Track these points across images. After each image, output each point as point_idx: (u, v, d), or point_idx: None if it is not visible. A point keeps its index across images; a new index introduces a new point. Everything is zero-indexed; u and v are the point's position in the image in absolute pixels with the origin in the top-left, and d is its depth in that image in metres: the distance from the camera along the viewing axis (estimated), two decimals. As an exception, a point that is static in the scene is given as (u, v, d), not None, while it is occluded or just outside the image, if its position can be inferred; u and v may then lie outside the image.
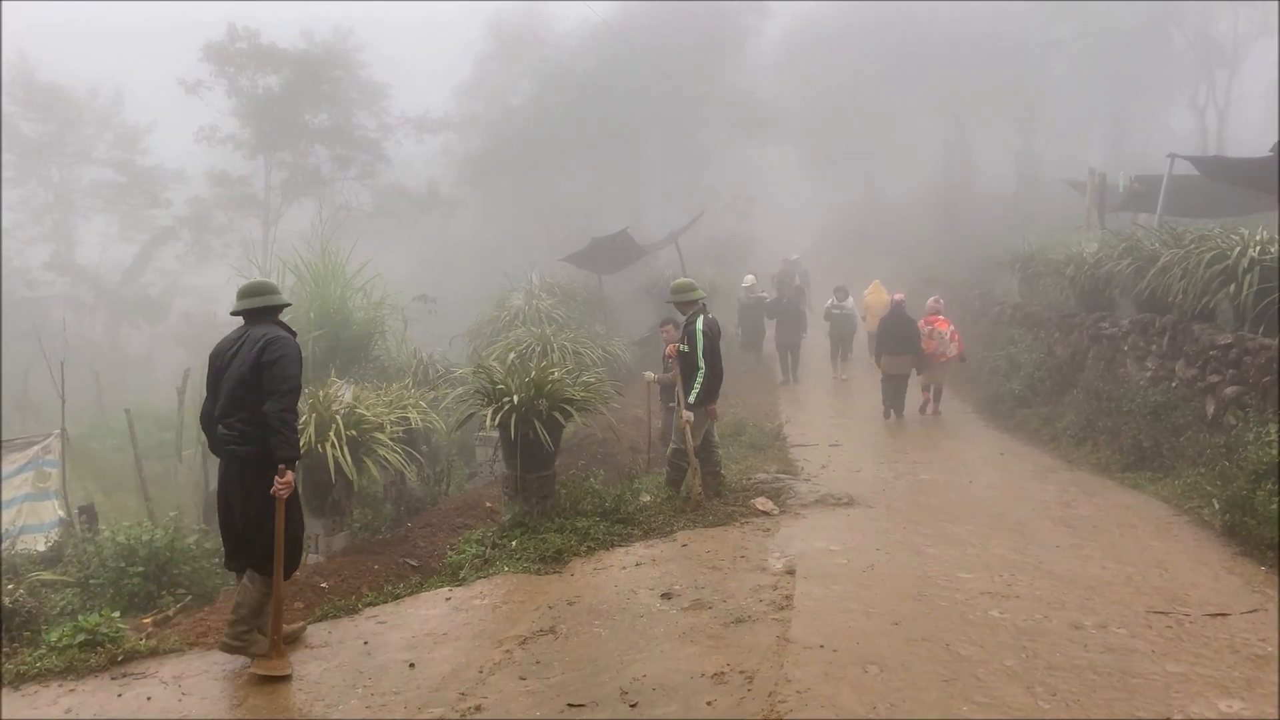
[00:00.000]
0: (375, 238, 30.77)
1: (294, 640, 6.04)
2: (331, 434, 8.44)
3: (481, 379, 9.24)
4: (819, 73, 41.76)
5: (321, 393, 9.18)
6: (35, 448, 11.59)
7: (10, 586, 7.11)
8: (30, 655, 5.89)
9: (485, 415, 8.80)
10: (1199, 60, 33.62)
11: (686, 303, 9.54)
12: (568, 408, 8.82)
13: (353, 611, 6.67)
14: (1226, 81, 33.53)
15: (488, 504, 10.26)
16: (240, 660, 5.76)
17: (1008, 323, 18.40)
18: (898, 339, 14.98)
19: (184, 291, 41.55)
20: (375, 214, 37.70)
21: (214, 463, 12.18)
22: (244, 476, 5.57)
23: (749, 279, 21.03)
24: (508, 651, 5.70)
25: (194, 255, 39.67)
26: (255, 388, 5.47)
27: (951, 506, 9.21)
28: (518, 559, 7.60)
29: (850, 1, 40.44)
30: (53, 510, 11.38)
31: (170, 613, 7.52)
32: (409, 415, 9.88)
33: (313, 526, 8.53)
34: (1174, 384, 11.21)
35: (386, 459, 8.96)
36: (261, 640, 5.70)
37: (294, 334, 5.75)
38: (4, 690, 5.53)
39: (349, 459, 8.38)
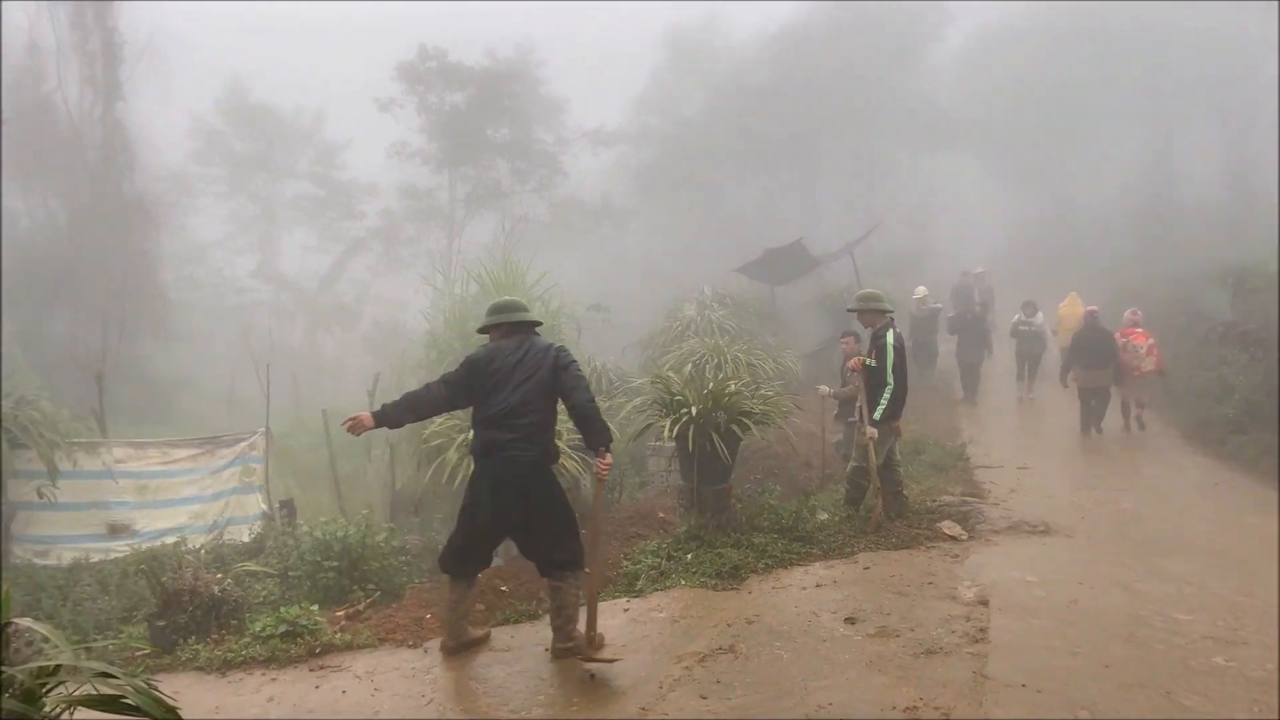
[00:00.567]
0: (551, 248, 31.57)
1: (477, 645, 6.13)
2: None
3: (659, 389, 9.21)
4: (1003, 78, 39.99)
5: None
6: (243, 444, 12.38)
7: (219, 575, 7.57)
8: (237, 643, 6.24)
9: (663, 426, 8.76)
10: None
11: (872, 314, 9.20)
12: (745, 421, 8.67)
13: (533, 617, 6.74)
14: None
15: (661, 515, 10.22)
16: (423, 659, 5.90)
17: (1218, 342, 16.95)
18: (1093, 352, 14.21)
19: (374, 300, 43.91)
20: (551, 225, 38.70)
21: (401, 465, 12.72)
22: (526, 481, 5.69)
23: (920, 290, 20.25)
24: (687, 668, 5.59)
25: (383, 265, 41.94)
26: (549, 392, 5.78)
27: (1162, 540, 8.49)
28: (694, 573, 7.49)
29: (1042, 1, 38.52)
30: (257, 504, 12.12)
31: (361, 606, 7.82)
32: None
33: (494, 530, 8.70)
34: None
35: (564, 466, 9.05)
36: (583, 636, 5.82)
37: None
38: (212, 676, 5.87)
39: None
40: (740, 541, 8.07)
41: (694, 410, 8.47)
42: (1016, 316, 18.37)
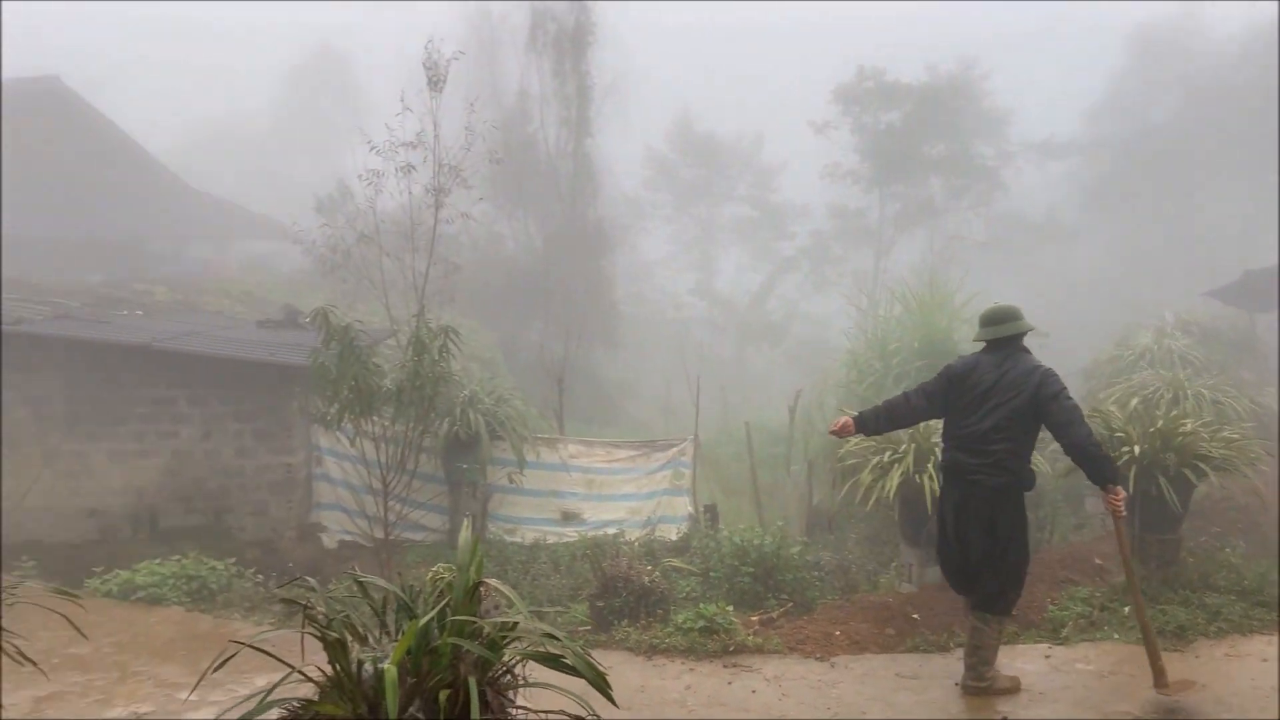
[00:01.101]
0: (986, 268, 30.12)
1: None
2: (930, 465, 8.39)
3: (1097, 424, 8.46)
4: None
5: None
6: (674, 449, 13.36)
7: (649, 568, 8.27)
8: (661, 631, 6.79)
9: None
10: None
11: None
12: (1201, 465, 7.68)
13: (943, 649, 6.54)
14: None
15: (1097, 560, 9.35)
16: (830, 673, 5.98)
17: None
18: None
19: (801, 318, 44.96)
20: (987, 244, 36.94)
21: (818, 481, 12.92)
22: (989, 507, 5.55)
23: None
24: (1114, 730, 5.11)
25: (811, 284, 42.80)
26: (1027, 419, 5.49)
27: None
28: (1130, 627, 6.79)
29: None
30: (684, 505, 13.00)
31: (774, 615, 8.10)
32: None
33: (908, 556, 8.57)
34: None
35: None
36: (1002, 676, 5.76)
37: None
38: (639, 658, 6.45)
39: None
40: (1189, 600, 7.17)
41: (1136, 449, 7.68)
42: None
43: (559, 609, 8.70)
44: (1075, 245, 38.25)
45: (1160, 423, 8.04)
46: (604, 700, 3.08)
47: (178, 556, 9.27)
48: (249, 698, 2.92)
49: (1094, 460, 5.26)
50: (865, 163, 38.56)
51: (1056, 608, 7.52)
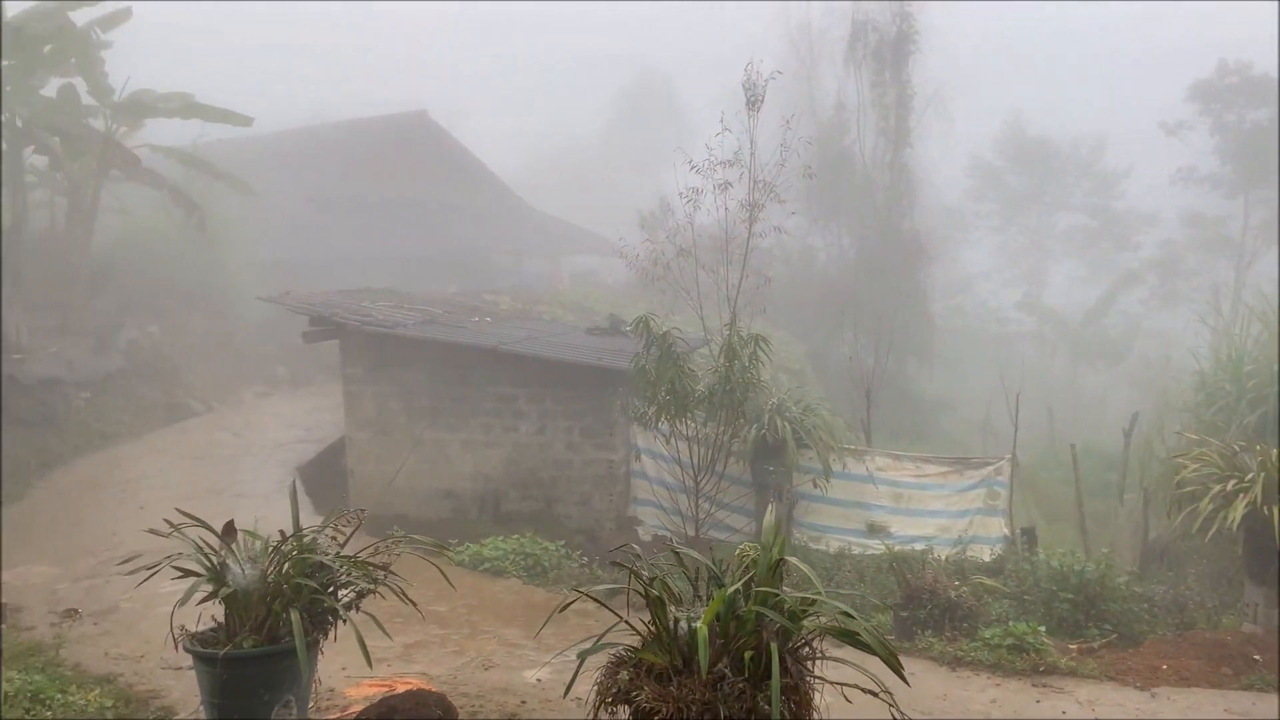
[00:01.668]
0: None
1: None
2: None
3: None
4: None
5: (1275, 451, 8.27)
6: (989, 468, 12.88)
7: (956, 583, 8.14)
8: (967, 645, 6.70)
9: None
10: None
11: None
12: None
13: None
14: None
15: None
16: (1150, 703, 5.64)
17: None
18: None
19: (1144, 335, 41.09)
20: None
21: (1155, 511, 11.92)
22: None
23: None
24: None
25: (1158, 299, 39.00)
26: None
27: None
28: None
29: None
30: (999, 526, 12.50)
31: (1095, 645, 7.67)
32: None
33: (1252, 594, 7.78)
34: None
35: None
36: None
37: None
38: (943, 668, 6.41)
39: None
40: None
41: None
42: None
43: (863, 615, 8.78)
44: None
45: None
46: (897, 681, 3.25)
47: (516, 536, 10.37)
48: (585, 639, 3.39)
49: None
50: (1226, 166, 34.66)
51: None
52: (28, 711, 5.53)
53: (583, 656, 3.38)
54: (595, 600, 3.55)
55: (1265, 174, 33.41)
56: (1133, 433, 14.01)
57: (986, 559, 11.50)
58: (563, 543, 10.50)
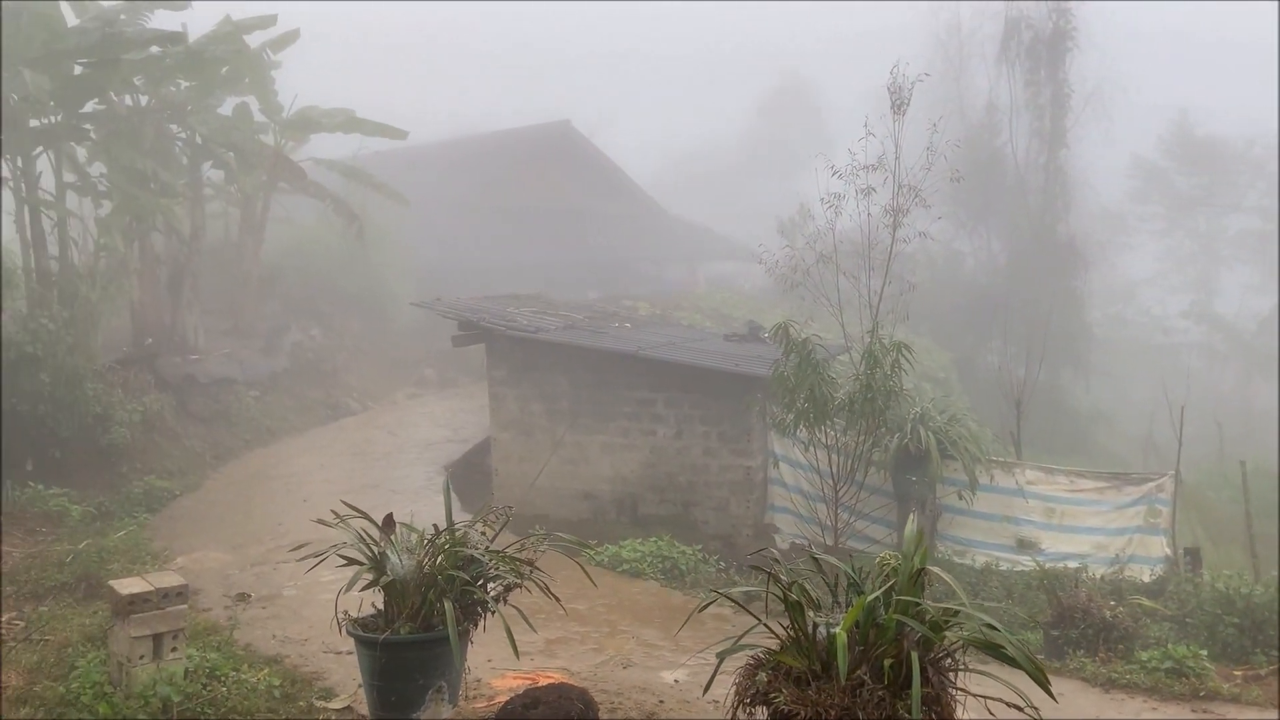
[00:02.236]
0: None
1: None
2: None
3: None
4: None
5: None
6: (1150, 484, 12.23)
7: (1112, 603, 7.79)
8: (1122, 667, 6.42)
9: None
10: None
11: None
12: None
13: None
14: None
15: None
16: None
17: None
18: None
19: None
20: None
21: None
22: None
23: None
24: None
25: (1346, 308, 36.12)
26: None
27: None
28: None
29: None
30: (1160, 546, 11.85)
31: (1262, 672, 7.22)
32: None
33: None
34: None
35: None
36: None
37: None
38: (1095, 689, 6.16)
39: None
40: None
41: None
42: None
43: (1010, 633, 8.52)
44: None
45: None
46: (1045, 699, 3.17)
47: (654, 539, 10.50)
48: (723, 641, 3.45)
49: None
50: None
51: None
52: (204, 687, 5.98)
53: (721, 656, 3.43)
54: (734, 602, 3.61)
55: None
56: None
57: (1146, 580, 10.95)
58: (699, 547, 10.57)
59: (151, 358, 15.15)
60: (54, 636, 7.11)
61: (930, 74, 13.37)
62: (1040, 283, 28.06)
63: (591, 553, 10.16)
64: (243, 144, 17.17)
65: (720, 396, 12.04)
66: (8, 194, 13.40)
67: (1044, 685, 3.12)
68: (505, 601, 5.06)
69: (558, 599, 5.09)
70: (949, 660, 3.39)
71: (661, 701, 6.27)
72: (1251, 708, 5.79)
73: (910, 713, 2.98)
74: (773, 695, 3.31)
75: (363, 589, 4.97)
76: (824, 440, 10.23)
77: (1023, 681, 3.23)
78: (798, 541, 11.83)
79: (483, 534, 5.22)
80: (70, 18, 13.90)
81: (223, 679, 6.20)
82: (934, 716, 3.22)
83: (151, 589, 5.94)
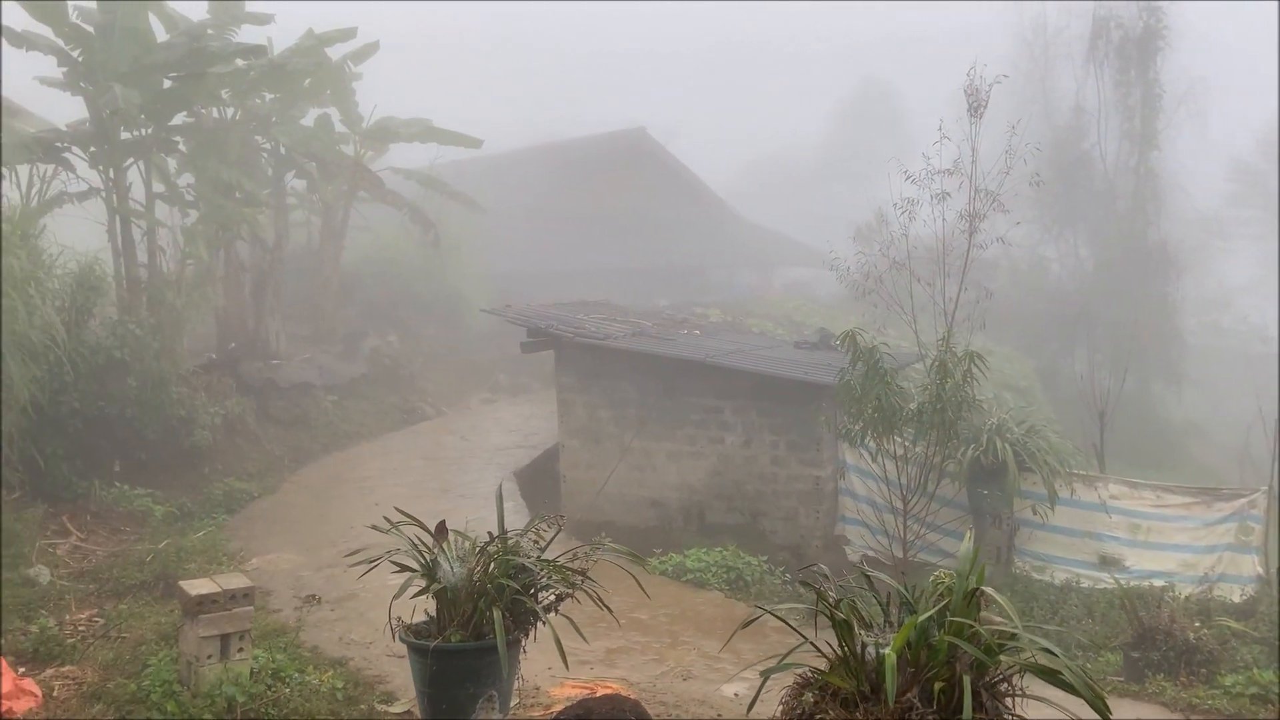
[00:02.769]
0: None
1: None
2: None
3: None
4: None
5: None
6: (1242, 500, 11.68)
7: (1197, 624, 7.43)
8: (1204, 691, 6.11)
9: None
10: None
11: None
12: None
13: None
14: None
15: None
16: None
17: None
18: None
19: None
20: None
21: None
22: None
23: None
24: None
25: None
26: None
27: None
28: None
29: None
30: (1252, 565, 11.30)
31: (1361, 704, 6.80)
32: None
33: None
34: None
35: None
36: None
37: None
38: (1176, 714, 5.87)
39: None
40: None
41: None
42: None
43: (1089, 658, 8.20)
44: None
45: None
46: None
47: (720, 549, 10.39)
48: (769, 657, 3.36)
49: None
50: None
51: None
52: (269, 688, 6.09)
53: (765, 675, 3.34)
54: (779, 618, 3.51)
55: None
56: None
57: (1236, 600, 10.44)
58: (766, 558, 10.43)
59: (234, 362, 15.59)
60: (130, 634, 7.33)
61: (1014, 75, 13.03)
62: (1130, 289, 27.13)
63: (656, 562, 10.12)
64: (324, 154, 17.59)
65: (789, 405, 11.88)
66: (100, 204, 13.94)
67: (1103, 713, 2.96)
68: (556, 611, 5.03)
69: (610, 609, 5.04)
70: (1005, 685, 3.24)
71: (719, 716, 6.18)
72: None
73: (960, 740, 2.85)
74: (819, 716, 3.20)
75: (414, 596, 4.99)
76: (892, 451, 10.00)
77: (1088, 710, 3.07)
78: (869, 554, 11.60)
79: (535, 542, 5.20)
80: (160, 33, 14.40)
81: (287, 680, 6.30)
82: (988, 744, 3.08)
83: (219, 590, 6.07)
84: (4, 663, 6.15)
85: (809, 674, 3.37)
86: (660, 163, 30.63)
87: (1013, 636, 3.19)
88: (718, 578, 9.76)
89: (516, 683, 5.40)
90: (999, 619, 3.39)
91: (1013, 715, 3.25)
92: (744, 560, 10.11)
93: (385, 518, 5.30)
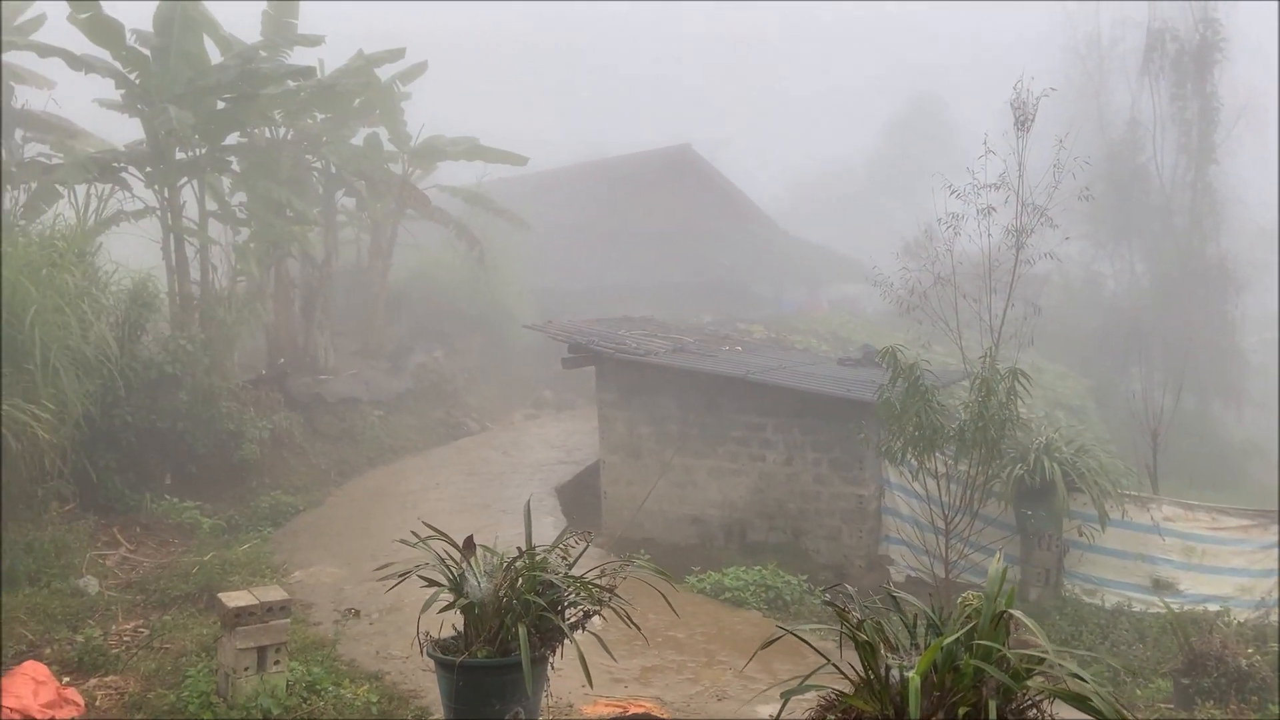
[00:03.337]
0: None
1: None
2: None
3: None
4: None
5: None
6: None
7: (1250, 650, 7.19)
8: (1255, 716, 5.89)
9: None
10: None
11: None
12: None
13: None
14: None
15: None
16: None
17: None
18: None
19: None
20: None
21: None
22: None
23: None
24: None
25: None
26: None
27: None
28: None
29: None
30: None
31: None
32: None
33: None
34: None
35: None
36: None
37: None
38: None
39: None
40: None
41: None
42: None
43: (1139, 684, 7.98)
44: None
45: None
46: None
47: (759, 567, 10.29)
48: (791, 678, 3.30)
49: None
50: None
51: None
52: (304, 701, 6.13)
53: (786, 697, 3.28)
54: (800, 638, 3.45)
55: None
56: None
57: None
58: (806, 577, 10.29)
59: (282, 377, 15.84)
60: (173, 645, 7.44)
61: (1068, 89, 12.87)
62: (1187, 306, 26.50)
63: (694, 580, 10.04)
64: (373, 173, 17.86)
65: (832, 422, 11.75)
66: (155, 222, 14.29)
67: (1134, 745, 2.85)
68: (584, 629, 5.01)
69: (639, 628, 5.00)
70: (1034, 711, 3.14)
71: (752, 736, 6.10)
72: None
73: (983, 767, 2.77)
74: (840, 740, 3.14)
75: (441, 610, 5.00)
76: (934, 469, 9.85)
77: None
78: (912, 574, 11.42)
79: (563, 558, 5.18)
80: (214, 55, 14.76)
81: (322, 693, 6.35)
82: (1016, 771, 2.99)
83: (256, 603, 6.14)
84: (48, 672, 6.28)
85: (832, 696, 3.31)
86: (706, 179, 30.63)
87: (1041, 660, 3.10)
88: (756, 597, 9.66)
89: (546, 699, 5.38)
90: (1034, 641, 3.30)
91: (1040, 741, 3.16)
92: (783, 579, 10.00)
93: (413, 532, 5.32)
